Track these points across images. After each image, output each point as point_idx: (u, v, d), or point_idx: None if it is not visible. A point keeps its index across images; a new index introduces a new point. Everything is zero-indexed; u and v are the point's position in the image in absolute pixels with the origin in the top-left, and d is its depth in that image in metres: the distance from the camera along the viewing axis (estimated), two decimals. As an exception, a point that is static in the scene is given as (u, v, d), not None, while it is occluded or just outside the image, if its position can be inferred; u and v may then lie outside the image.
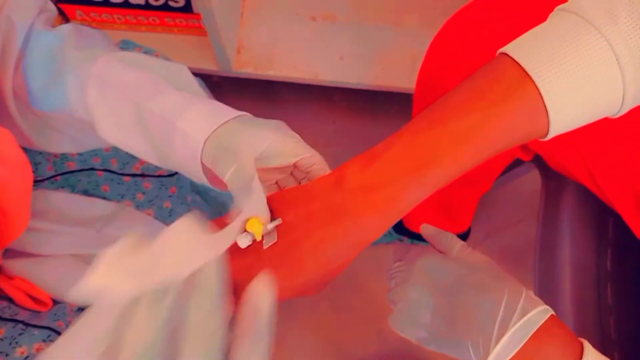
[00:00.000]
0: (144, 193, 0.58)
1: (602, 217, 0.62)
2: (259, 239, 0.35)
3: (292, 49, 0.90)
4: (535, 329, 0.35)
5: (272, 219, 0.35)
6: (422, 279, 0.43)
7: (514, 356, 0.35)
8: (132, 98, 0.38)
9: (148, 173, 0.58)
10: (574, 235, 0.63)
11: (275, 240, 0.35)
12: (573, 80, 0.32)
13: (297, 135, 0.38)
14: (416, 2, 0.92)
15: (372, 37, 0.91)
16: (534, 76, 0.32)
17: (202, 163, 0.37)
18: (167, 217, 0.61)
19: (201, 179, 0.38)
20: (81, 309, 0.52)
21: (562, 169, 0.57)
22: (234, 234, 0.34)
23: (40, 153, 0.53)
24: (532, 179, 0.79)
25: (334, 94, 1.05)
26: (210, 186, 0.40)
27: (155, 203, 0.59)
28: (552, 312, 0.36)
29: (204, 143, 0.36)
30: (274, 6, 0.93)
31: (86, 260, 0.55)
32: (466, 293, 0.39)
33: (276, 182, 0.40)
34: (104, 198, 0.57)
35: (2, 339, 0.44)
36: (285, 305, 0.93)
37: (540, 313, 0.35)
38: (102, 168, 0.56)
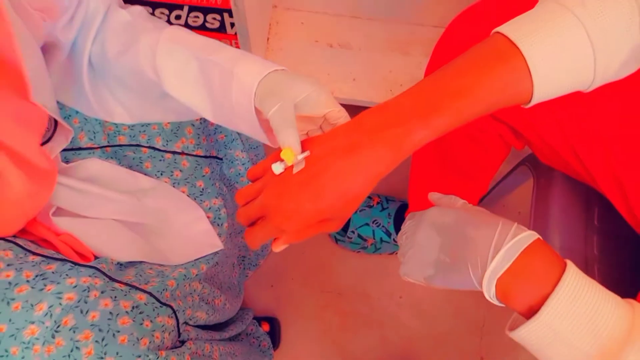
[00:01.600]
0: (181, 171, 0.65)
1: (588, 207, 0.68)
2: (289, 164, 0.41)
3: (311, 70, 1.00)
4: (524, 247, 0.40)
5: (303, 151, 0.42)
6: (429, 224, 0.49)
7: (506, 271, 0.40)
8: (196, 54, 0.46)
9: (187, 152, 0.65)
10: (563, 225, 0.68)
11: (303, 167, 0.42)
12: (553, 51, 0.39)
13: (329, 91, 0.45)
14: (421, 36, 1.02)
15: (381, 63, 1.00)
16: (520, 45, 0.39)
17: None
18: (198, 195, 0.67)
19: (252, 120, 0.45)
20: (120, 264, 0.58)
21: (550, 160, 0.64)
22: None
23: (99, 123, 0.60)
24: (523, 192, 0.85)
25: (347, 110, 1.13)
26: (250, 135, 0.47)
27: (190, 181, 0.66)
28: (539, 237, 0.41)
29: (257, 85, 0.43)
30: (296, 34, 1.03)
31: (126, 225, 0.61)
32: (466, 228, 0.45)
33: (307, 133, 0.47)
34: (145, 174, 0.64)
35: (53, 272, 0.49)
36: (294, 311, 0.98)
37: (529, 236, 0.41)
38: (147, 145, 0.63)
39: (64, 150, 0.59)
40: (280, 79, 0.44)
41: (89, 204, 0.59)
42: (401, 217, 1.00)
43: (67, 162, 0.58)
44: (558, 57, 0.40)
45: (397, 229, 1.00)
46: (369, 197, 1.06)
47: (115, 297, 0.48)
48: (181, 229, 0.65)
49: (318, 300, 1.01)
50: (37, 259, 0.50)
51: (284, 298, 1.01)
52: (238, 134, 0.71)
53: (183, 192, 0.66)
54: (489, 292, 0.42)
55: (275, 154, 0.44)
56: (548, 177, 0.71)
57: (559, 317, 0.38)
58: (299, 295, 1.01)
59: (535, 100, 0.42)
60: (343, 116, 0.46)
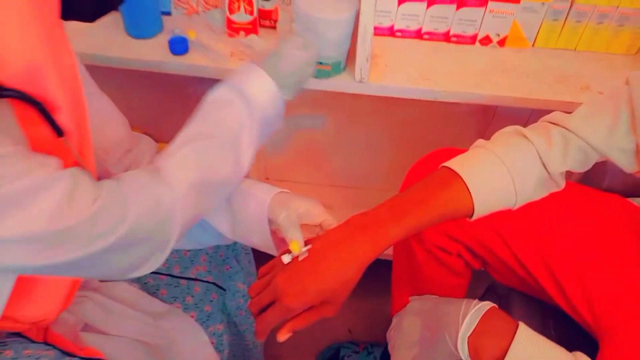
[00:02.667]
0: (192, 296, 0.74)
1: (544, 320, 0.78)
2: (296, 254, 0.53)
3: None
4: (483, 312, 0.51)
5: (305, 245, 0.55)
6: (411, 313, 0.59)
7: (473, 332, 0.50)
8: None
9: (200, 278, 0.75)
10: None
11: (306, 256, 0.54)
12: (484, 177, 0.56)
13: (322, 206, 0.60)
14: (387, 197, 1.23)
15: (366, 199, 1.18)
16: (461, 173, 0.56)
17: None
18: (205, 320, 0.75)
19: (264, 229, 0.58)
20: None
21: (504, 278, 0.77)
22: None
23: None
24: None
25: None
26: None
27: (199, 307, 0.74)
28: (495, 305, 0.52)
29: (270, 200, 0.57)
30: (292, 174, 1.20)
31: (143, 344, 0.68)
32: (441, 307, 0.55)
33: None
34: (160, 299, 0.73)
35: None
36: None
37: (486, 304, 0.52)
38: (166, 273, 0.73)
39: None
40: (286, 196, 0.59)
41: (113, 322, 0.66)
42: (386, 358, 1.06)
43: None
44: (489, 181, 0.57)
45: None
46: (356, 344, 1.11)
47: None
48: (187, 354, 0.71)
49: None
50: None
51: None
52: (241, 267, 0.82)
53: (192, 316, 0.74)
54: (464, 352, 0.50)
55: (282, 251, 0.56)
56: (507, 298, 0.82)
57: (527, 350, 0.47)
58: None
59: (477, 214, 0.57)
60: (334, 223, 0.59)
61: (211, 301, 0.76)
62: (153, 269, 0.52)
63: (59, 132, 0.43)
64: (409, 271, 0.81)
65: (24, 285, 0.51)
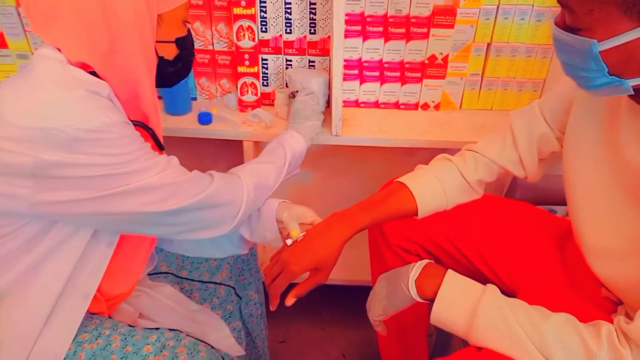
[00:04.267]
0: (217, 297, 0.95)
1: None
2: (294, 238, 0.79)
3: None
4: (425, 264, 0.75)
5: (302, 232, 0.80)
6: (380, 279, 0.82)
7: (418, 277, 0.74)
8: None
9: (224, 283, 0.97)
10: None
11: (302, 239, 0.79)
12: (424, 186, 0.84)
13: (314, 212, 0.86)
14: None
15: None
16: (407, 183, 0.84)
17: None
18: (227, 317, 0.95)
19: (273, 226, 0.83)
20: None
21: (452, 268, 1.00)
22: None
23: (174, 256, 0.95)
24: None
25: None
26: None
27: (223, 306, 0.96)
28: (432, 261, 0.76)
29: (277, 206, 0.83)
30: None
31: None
32: (397, 271, 0.79)
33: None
34: (194, 301, 0.94)
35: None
36: None
37: (426, 260, 0.76)
38: (198, 279, 0.95)
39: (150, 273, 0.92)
40: (288, 203, 0.85)
41: (160, 314, 0.88)
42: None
43: (151, 279, 0.90)
44: (426, 188, 0.85)
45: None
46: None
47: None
48: (216, 344, 0.91)
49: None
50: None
51: None
52: (253, 279, 1.04)
53: (218, 314, 0.94)
54: (413, 292, 0.73)
55: (285, 238, 0.81)
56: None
57: (449, 287, 0.70)
58: None
59: (421, 212, 0.84)
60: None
61: (232, 302, 0.97)
62: (221, 233, 0.78)
63: (161, 147, 0.72)
64: (380, 270, 1.04)
65: (113, 259, 0.74)
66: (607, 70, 0.57)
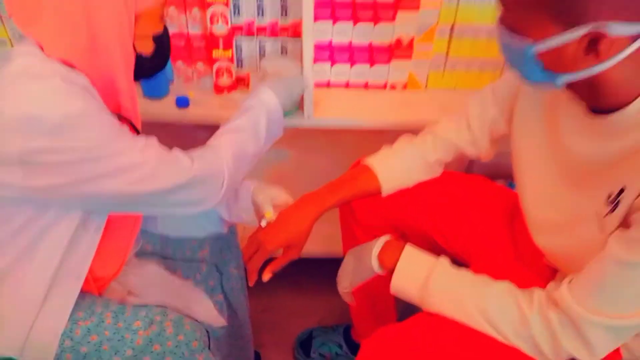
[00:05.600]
0: (200, 274, 1.04)
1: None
2: (268, 219, 0.87)
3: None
4: (386, 240, 0.84)
5: (275, 213, 0.88)
6: (349, 254, 0.91)
7: (380, 251, 0.83)
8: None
9: (205, 259, 1.05)
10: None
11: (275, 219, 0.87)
12: (386, 167, 0.93)
13: (287, 194, 0.94)
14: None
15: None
16: (371, 166, 0.92)
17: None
18: (209, 292, 1.04)
19: (249, 207, 0.91)
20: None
21: (416, 242, 1.10)
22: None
23: (158, 237, 1.02)
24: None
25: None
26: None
27: (205, 281, 1.04)
28: (394, 237, 0.85)
29: (253, 189, 0.91)
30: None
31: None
32: (363, 246, 0.88)
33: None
34: (178, 277, 1.03)
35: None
36: None
37: (388, 236, 0.85)
38: (181, 257, 1.04)
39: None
40: (263, 185, 0.93)
41: (147, 290, 0.96)
42: (348, 334, 1.34)
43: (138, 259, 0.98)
44: (389, 169, 0.93)
45: (347, 341, 1.33)
46: (325, 327, 1.40)
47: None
48: (200, 316, 1.00)
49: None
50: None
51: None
52: (233, 256, 1.13)
53: (201, 289, 1.03)
54: (375, 265, 0.83)
55: (259, 219, 0.89)
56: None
57: (405, 261, 0.80)
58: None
59: (384, 190, 0.92)
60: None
61: (214, 277, 1.06)
62: (208, 207, 0.84)
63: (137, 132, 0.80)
64: (352, 245, 1.13)
65: (101, 243, 0.82)
66: (541, 67, 0.65)
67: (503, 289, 0.75)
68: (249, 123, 0.92)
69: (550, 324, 0.70)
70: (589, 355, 0.70)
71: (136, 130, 0.82)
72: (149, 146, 0.76)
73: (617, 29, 0.56)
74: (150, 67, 0.84)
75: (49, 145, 0.67)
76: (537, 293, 0.73)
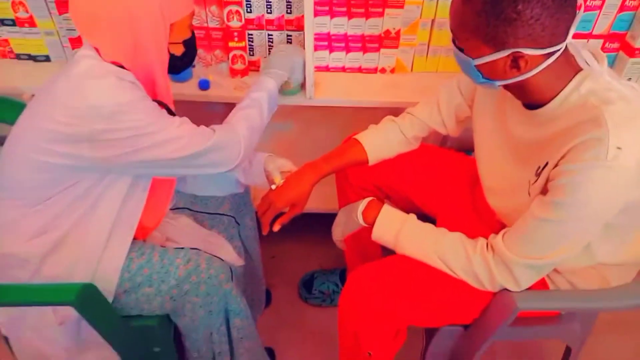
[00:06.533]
0: (223, 224, 1.27)
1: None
2: (277, 183, 1.10)
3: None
4: (369, 200, 1.07)
5: (282, 179, 1.11)
6: (341, 211, 1.14)
7: (364, 208, 1.06)
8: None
9: (226, 213, 1.28)
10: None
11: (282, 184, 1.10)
12: (372, 142, 1.15)
13: (292, 164, 1.16)
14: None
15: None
16: (360, 140, 1.14)
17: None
18: (230, 239, 1.27)
19: (261, 173, 1.14)
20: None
21: (398, 202, 1.32)
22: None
23: (187, 195, 1.25)
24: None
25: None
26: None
27: (227, 230, 1.28)
28: (375, 199, 1.08)
29: (264, 159, 1.13)
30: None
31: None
32: (352, 205, 1.11)
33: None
34: (205, 228, 1.26)
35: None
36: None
37: (371, 197, 1.08)
38: (206, 211, 1.26)
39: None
40: (273, 157, 1.15)
41: (182, 237, 1.19)
42: (344, 276, 1.60)
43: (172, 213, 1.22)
44: (375, 143, 1.14)
45: (342, 281, 1.59)
46: (324, 270, 1.65)
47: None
48: (224, 257, 1.23)
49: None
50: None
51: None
52: (248, 210, 1.36)
53: (224, 237, 1.27)
54: (360, 220, 1.06)
55: (270, 184, 1.12)
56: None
57: (383, 216, 1.02)
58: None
59: (371, 160, 1.14)
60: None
61: (233, 227, 1.30)
62: (230, 168, 1.05)
63: (173, 115, 1.01)
64: (345, 203, 1.36)
65: (147, 200, 1.04)
66: (482, 75, 0.85)
67: (455, 237, 0.98)
68: (255, 103, 1.14)
69: (487, 263, 0.93)
70: (516, 286, 0.94)
71: (171, 112, 1.03)
72: (183, 122, 0.98)
73: (531, 52, 0.77)
74: (181, 65, 1.05)
75: (108, 127, 0.89)
76: (481, 241, 0.96)
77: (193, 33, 1.04)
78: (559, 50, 0.78)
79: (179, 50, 1.02)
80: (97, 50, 0.92)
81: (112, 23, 0.89)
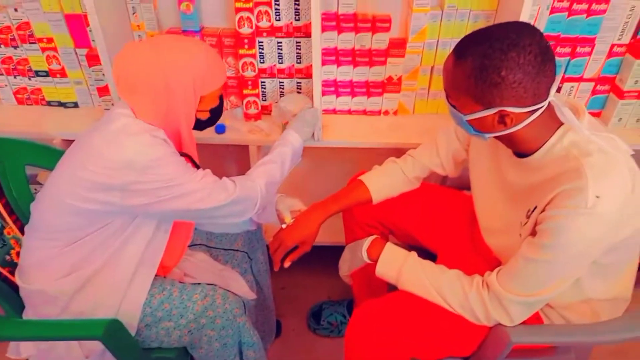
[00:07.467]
0: (236, 260, 1.35)
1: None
2: (287, 222, 1.17)
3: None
4: (373, 238, 1.14)
5: (292, 218, 1.18)
6: (347, 248, 1.21)
7: (369, 246, 1.13)
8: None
9: (240, 249, 1.36)
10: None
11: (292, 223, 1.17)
12: (376, 182, 1.22)
13: (302, 203, 1.23)
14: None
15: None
16: (365, 181, 1.22)
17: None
18: (243, 273, 1.35)
19: (273, 213, 1.21)
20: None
21: (400, 238, 1.39)
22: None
23: (205, 233, 1.33)
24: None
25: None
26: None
27: (240, 265, 1.35)
28: (379, 237, 1.15)
29: (276, 199, 1.21)
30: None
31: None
32: (357, 242, 1.17)
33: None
34: (220, 263, 1.33)
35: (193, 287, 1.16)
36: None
37: (375, 235, 1.15)
38: (221, 247, 1.34)
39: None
40: (284, 197, 1.23)
41: (199, 273, 1.26)
42: (351, 307, 1.65)
43: (190, 249, 1.29)
44: (378, 183, 1.21)
45: (349, 312, 1.64)
46: (332, 301, 1.71)
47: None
48: (237, 291, 1.30)
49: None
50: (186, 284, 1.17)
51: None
52: (260, 245, 1.43)
53: (237, 271, 1.34)
54: (365, 257, 1.12)
55: (281, 223, 1.19)
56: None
57: (386, 254, 1.09)
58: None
59: (375, 200, 1.22)
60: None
61: (246, 262, 1.37)
62: (245, 219, 1.14)
63: (197, 166, 1.09)
64: (352, 239, 1.43)
65: (168, 241, 1.12)
66: (473, 128, 0.93)
67: (453, 275, 1.04)
68: (278, 158, 1.23)
69: (483, 300, 0.99)
70: (509, 321, 0.99)
71: (195, 164, 1.12)
72: (206, 175, 1.06)
73: (516, 110, 0.84)
74: (204, 126, 1.14)
75: (140, 179, 0.97)
76: (477, 278, 1.02)
77: (221, 100, 1.13)
78: (541, 107, 0.86)
79: (204, 116, 1.12)
80: (132, 110, 1.02)
81: (150, 91, 0.99)
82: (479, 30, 0.88)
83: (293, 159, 1.27)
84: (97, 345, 1.08)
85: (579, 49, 1.39)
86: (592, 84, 1.46)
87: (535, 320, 1.06)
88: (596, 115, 1.52)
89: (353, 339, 1.08)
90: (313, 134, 1.39)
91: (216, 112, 1.13)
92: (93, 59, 1.41)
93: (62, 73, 1.45)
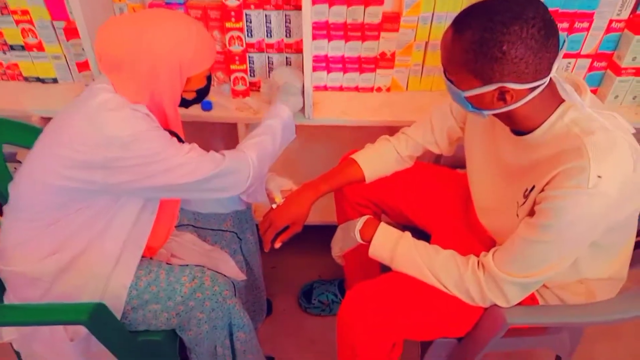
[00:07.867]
0: (225, 240, 1.31)
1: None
2: (278, 202, 1.14)
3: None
4: (367, 218, 1.11)
5: (283, 198, 1.14)
6: (340, 228, 1.18)
7: (362, 227, 1.09)
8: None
9: (229, 230, 1.32)
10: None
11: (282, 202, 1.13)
12: (369, 160, 1.18)
13: (292, 182, 1.19)
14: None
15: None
16: (357, 160, 1.18)
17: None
18: (232, 254, 1.31)
19: (263, 191, 1.17)
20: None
21: (393, 217, 1.36)
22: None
23: (192, 213, 1.29)
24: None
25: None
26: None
27: (229, 246, 1.31)
28: (372, 217, 1.12)
29: (266, 178, 1.17)
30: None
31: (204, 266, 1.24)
32: (350, 223, 1.14)
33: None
34: (208, 243, 1.30)
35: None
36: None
37: (368, 216, 1.12)
38: (209, 227, 1.30)
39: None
40: (274, 175, 1.19)
41: (186, 254, 1.23)
42: (342, 286, 1.63)
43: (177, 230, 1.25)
44: (371, 162, 1.18)
45: (340, 291, 1.62)
46: (323, 280, 1.69)
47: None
48: (227, 272, 1.27)
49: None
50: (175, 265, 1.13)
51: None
52: (249, 225, 1.39)
53: (226, 252, 1.30)
54: (358, 237, 1.09)
55: (271, 202, 1.15)
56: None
57: (379, 234, 1.06)
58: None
59: (368, 178, 1.18)
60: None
61: (235, 243, 1.33)
62: (237, 193, 1.10)
63: (182, 141, 1.03)
64: (343, 219, 1.40)
65: (154, 221, 1.08)
66: (471, 105, 0.89)
67: (447, 255, 1.02)
68: (268, 130, 1.18)
69: (478, 280, 0.97)
70: (505, 302, 0.97)
71: (181, 140, 1.07)
72: (192, 149, 1.01)
73: (516, 86, 0.80)
74: (189, 104, 1.09)
75: (121, 155, 0.92)
76: (472, 259, 1.00)
77: (209, 79, 1.08)
78: (543, 84, 0.82)
79: (191, 96, 1.06)
80: (112, 83, 0.96)
81: (134, 71, 0.94)
82: (479, 2, 0.83)
83: (284, 133, 1.22)
84: (82, 328, 1.04)
85: (577, 24, 1.35)
86: (589, 60, 1.42)
87: (530, 300, 1.04)
88: (592, 92, 1.49)
89: (346, 320, 1.06)
90: (303, 108, 1.34)
91: (203, 92, 1.08)
92: (71, 32, 1.33)
93: (39, 47, 1.38)
